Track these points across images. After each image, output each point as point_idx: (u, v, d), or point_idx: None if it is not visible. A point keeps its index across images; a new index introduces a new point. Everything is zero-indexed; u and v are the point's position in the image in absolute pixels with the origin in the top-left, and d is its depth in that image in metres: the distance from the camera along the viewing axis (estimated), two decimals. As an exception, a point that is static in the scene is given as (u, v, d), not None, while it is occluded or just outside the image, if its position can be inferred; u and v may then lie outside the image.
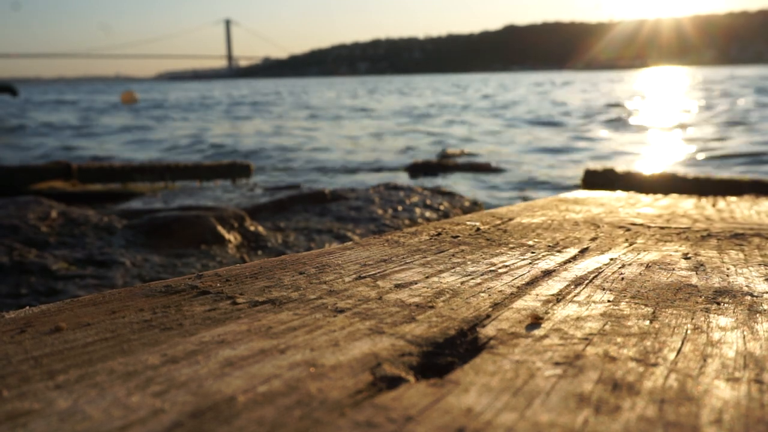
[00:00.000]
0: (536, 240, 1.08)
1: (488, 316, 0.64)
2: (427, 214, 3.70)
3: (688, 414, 0.43)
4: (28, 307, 0.66)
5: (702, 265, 0.90)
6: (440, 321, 0.62)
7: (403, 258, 0.91)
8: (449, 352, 0.54)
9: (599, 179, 3.33)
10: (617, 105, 20.23)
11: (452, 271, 0.84)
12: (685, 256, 0.95)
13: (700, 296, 0.73)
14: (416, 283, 0.76)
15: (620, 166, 5.47)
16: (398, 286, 0.75)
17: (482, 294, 0.72)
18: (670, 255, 0.96)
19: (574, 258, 0.93)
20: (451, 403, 0.44)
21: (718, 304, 0.70)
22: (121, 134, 14.11)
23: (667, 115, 15.74)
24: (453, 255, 0.94)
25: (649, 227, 1.24)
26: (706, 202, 1.72)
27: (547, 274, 0.83)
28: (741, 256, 0.96)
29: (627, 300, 0.71)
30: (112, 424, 0.40)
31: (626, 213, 1.46)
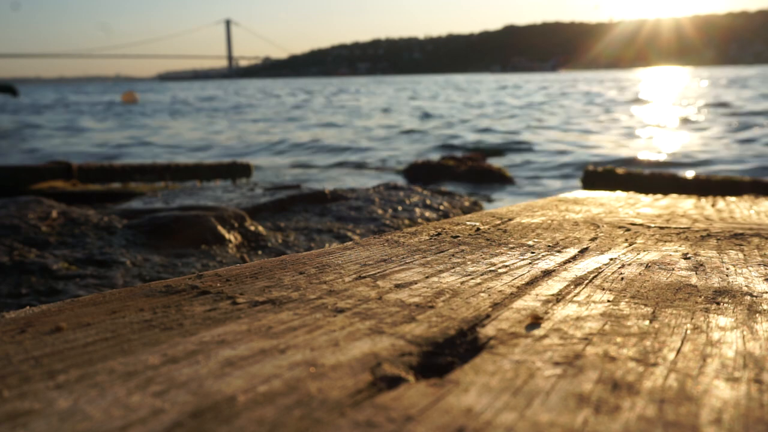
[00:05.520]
0: (536, 240, 1.08)
1: (488, 316, 0.64)
2: (427, 214, 3.70)
3: (687, 414, 0.43)
4: (28, 307, 0.66)
5: (701, 265, 0.90)
6: (440, 321, 0.62)
7: (403, 258, 0.91)
8: (449, 352, 0.54)
9: (599, 179, 3.33)
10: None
11: (452, 271, 0.84)
12: (685, 256, 0.96)
13: (700, 296, 0.73)
14: (416, 283, 0.76)
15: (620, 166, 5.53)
16: (398, 286, 0.75)
17: (482, 294, 0.72)
18: (670, 255, 0.97)
19: (573, 258, 0.93)
20: (451, 403, 0.44)
21: (718, 304, 0.70)
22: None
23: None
24: (453, 255, 0.94)
25: (648, 227, 1.24)
26: (705, 202, 1.72)
27: (547, 274, 0.83)
28: (740, 256, 0.97)
29: (627, 300, 0.71)
30: (112, 424, 0.40)
31: (626, 213, 1.46)
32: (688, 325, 0.62)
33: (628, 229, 1.21)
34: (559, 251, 0.98)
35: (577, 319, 0.63)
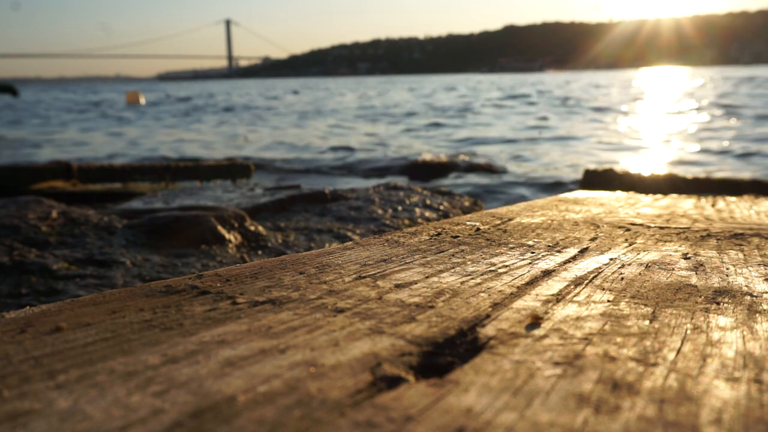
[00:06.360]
0: (536, 240, 1.08)
1: (488, 316, 0.64)
2: (427, 214, 3.69)
3: (687, 414, 0.43)
4: (28, 307, 0.66)
5: (701, 265, 0.90)
6: (440, 321, 0.62)
7: (403, 258, 0.91)
8: (449, 352, 0.54)
9: (599, 179, 3.33)
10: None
11: (452, 271, 0.84)
12: (685, 256, 0.96)
13: (700, 296, 0.73)
14: (416, 283, 0.76)
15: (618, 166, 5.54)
16: (398, 286, 0.75)
17: (482, 294, 0.72)
18: (670, 255, 0.97)
19: (573, 258, 0.93)
20: (450, 403, 0.44)
21: (718, 304, 0.70)
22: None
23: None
24: (453, 255, 0.94)
25: (648, 227, 1.24)
26: (705, 202, 1.72)
27: (547, 274, 0.83)
28: (740, 256, 0.97)
29: (627, 300, 0.71)
30: (112, 424, 0.40)
31: (626, 213, 1.46)
32: (688, 325, 0.62)
33: (628, 229, 1.21)
34: (559, 251, 0.98)
35: (577, 319, 0.63)
